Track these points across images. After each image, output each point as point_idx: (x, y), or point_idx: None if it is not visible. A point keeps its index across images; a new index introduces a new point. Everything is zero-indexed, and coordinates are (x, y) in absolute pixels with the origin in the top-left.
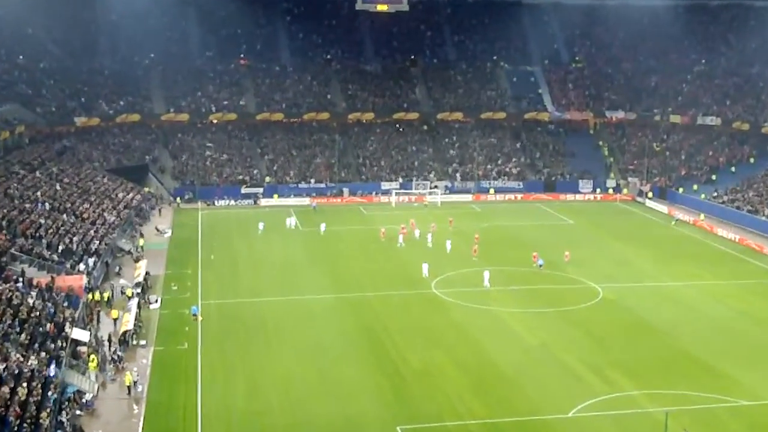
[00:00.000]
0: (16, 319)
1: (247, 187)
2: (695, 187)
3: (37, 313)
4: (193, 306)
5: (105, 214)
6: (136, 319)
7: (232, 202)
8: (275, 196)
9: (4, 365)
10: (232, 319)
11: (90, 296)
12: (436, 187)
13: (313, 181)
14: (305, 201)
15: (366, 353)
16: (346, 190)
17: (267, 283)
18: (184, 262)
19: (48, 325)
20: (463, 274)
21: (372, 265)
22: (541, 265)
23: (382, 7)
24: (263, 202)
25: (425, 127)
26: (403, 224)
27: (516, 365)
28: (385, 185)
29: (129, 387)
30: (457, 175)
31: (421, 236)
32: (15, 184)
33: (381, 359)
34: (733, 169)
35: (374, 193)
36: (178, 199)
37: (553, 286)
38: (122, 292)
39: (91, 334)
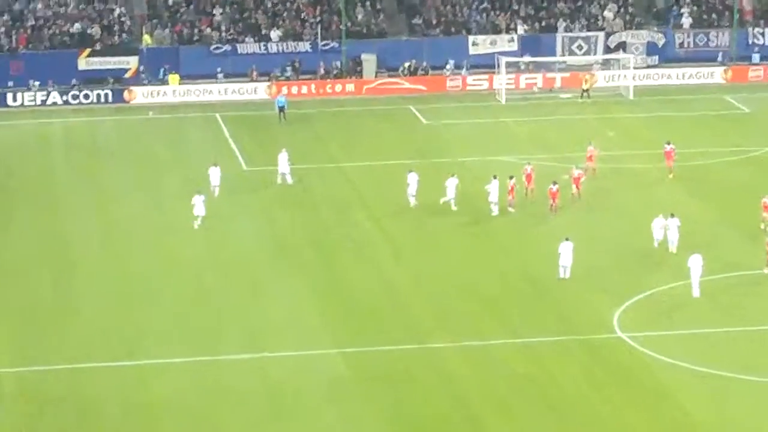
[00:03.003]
0: None
1: (91, 55)
2: None
3: None
4: None
5: None
6: None
7: (57, 99)
8: (172, 78)
9: None
10: (56, 418)
11: None
12: (619, 47)
13: (276, 36)
14: (257, 91)
15: None
16: (369, 60)
17: (161, 320)
18: None
19: None
20: (698, 288)
21: (443, 269)
22: None
23: None
24: (140, 95)
25: None
26: (528, 165)
27: None
28: (476, 44)
29: None
30: (683, 14)
31: (580, 193)
32: None
33: None
34: None
35: (447, 66)
36: None
37: None
38: None
39: None
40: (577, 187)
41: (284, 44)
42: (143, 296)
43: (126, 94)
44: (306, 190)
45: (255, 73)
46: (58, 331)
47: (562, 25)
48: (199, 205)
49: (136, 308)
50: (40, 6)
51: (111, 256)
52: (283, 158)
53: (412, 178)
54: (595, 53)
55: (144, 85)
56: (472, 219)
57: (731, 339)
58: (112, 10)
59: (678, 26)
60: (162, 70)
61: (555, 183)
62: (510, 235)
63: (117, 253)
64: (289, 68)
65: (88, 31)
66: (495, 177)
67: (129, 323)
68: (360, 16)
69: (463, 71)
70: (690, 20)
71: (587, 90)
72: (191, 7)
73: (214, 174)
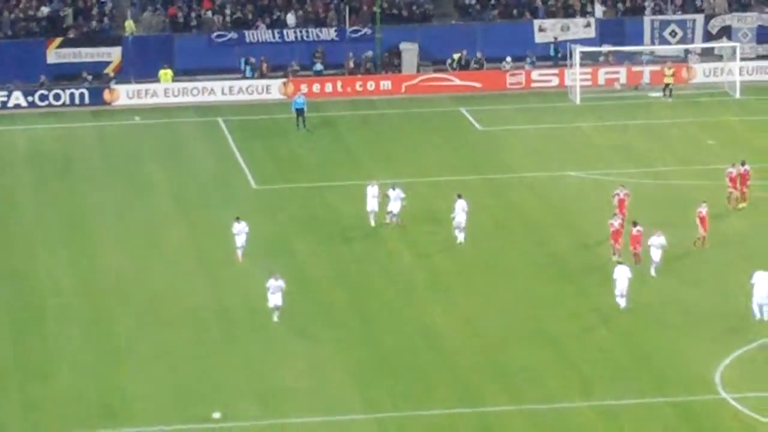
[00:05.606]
0: None
1: (63, 45)
2: None
3: None
4: None
5: None
6: None
7: (20, 101)
8: (164, 73)
9: None
10: None
11: None
12: (722, 33)
13: (293, 20)
14: (269, 90)
15: None
16: (410, 50)
17: (151, 381)
18: None
19: None
20: None
21: (500, 313)
22: None
23: None
24: (124, 95)
25: None
26: (621, 188)
27: None
28: (544, 30)
29: None
30: None
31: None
32: None
33: None
34: None
35: (507, 59)
36: None
37: None
38: None
39: None
40: (704, 228)
41: (303, 31)
42: (129, 353)
43: (106, 94)
44: (332, 214)
45: (266, 67)
46: (23, 397)
47: (650, 5)
48: (276, 291)
49: (120, 368)
50: None
51: (88, 304)
52: (376, 193)
53: (396, 195)
54: (692, 41)
55: (129, 82)
56: (536, 252)
57: None
58: None
59: None
60: (150, 70)
61: (636, 224)
62: (586, 271)
63: (95, 300)
64: (298, 61)
65: (60, 15)
66: (459, 196)
67: (111, 386)
68: None
69: (527, 64)
70: None
71: (668, 86)
72: None
73: (240, 232)
